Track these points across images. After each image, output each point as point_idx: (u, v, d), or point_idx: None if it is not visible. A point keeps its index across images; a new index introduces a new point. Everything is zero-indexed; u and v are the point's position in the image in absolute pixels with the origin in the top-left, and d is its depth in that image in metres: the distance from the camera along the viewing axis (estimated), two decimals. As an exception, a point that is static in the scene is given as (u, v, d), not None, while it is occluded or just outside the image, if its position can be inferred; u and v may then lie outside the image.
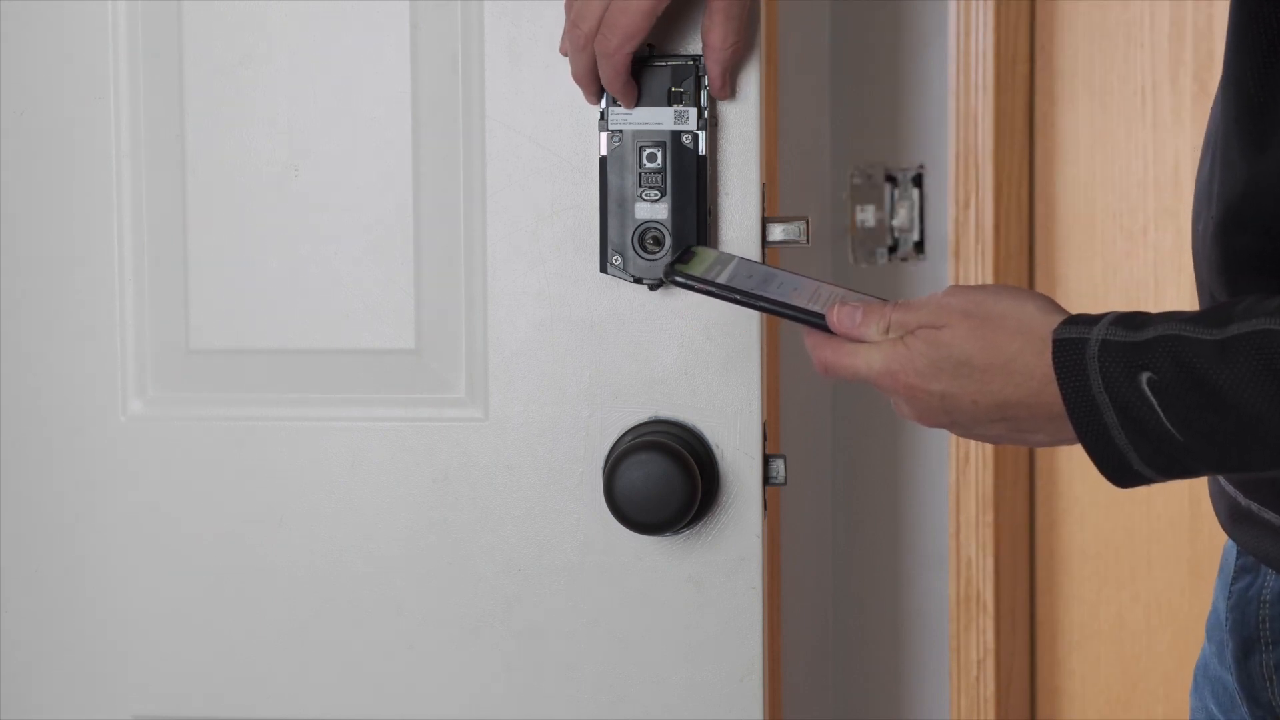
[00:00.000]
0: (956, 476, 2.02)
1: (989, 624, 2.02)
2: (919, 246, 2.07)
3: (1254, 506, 0.98)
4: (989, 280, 2.00)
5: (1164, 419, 0.87)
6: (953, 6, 1.99)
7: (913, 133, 2.07)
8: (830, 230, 2.09)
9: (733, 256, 1.07)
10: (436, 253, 1.18)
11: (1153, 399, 0.87)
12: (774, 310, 1.00)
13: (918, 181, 2.06)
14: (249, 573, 1.21)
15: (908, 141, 2.07)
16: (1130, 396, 0.88)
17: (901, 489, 2.10)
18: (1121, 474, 0.91)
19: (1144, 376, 0.88)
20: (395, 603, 1.20)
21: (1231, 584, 1.04)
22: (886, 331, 0.97)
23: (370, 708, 1.21)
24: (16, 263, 1.22)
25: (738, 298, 1.01)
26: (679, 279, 1.02)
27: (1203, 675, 1.11)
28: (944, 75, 2.01)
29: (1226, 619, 1.04)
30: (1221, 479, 1.03)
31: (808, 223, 1.15)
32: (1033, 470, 2.07)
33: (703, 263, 1.04)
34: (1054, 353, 0.91)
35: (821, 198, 2.08)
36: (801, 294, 1.01)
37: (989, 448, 2.02)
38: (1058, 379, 0.90)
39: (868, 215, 2.07)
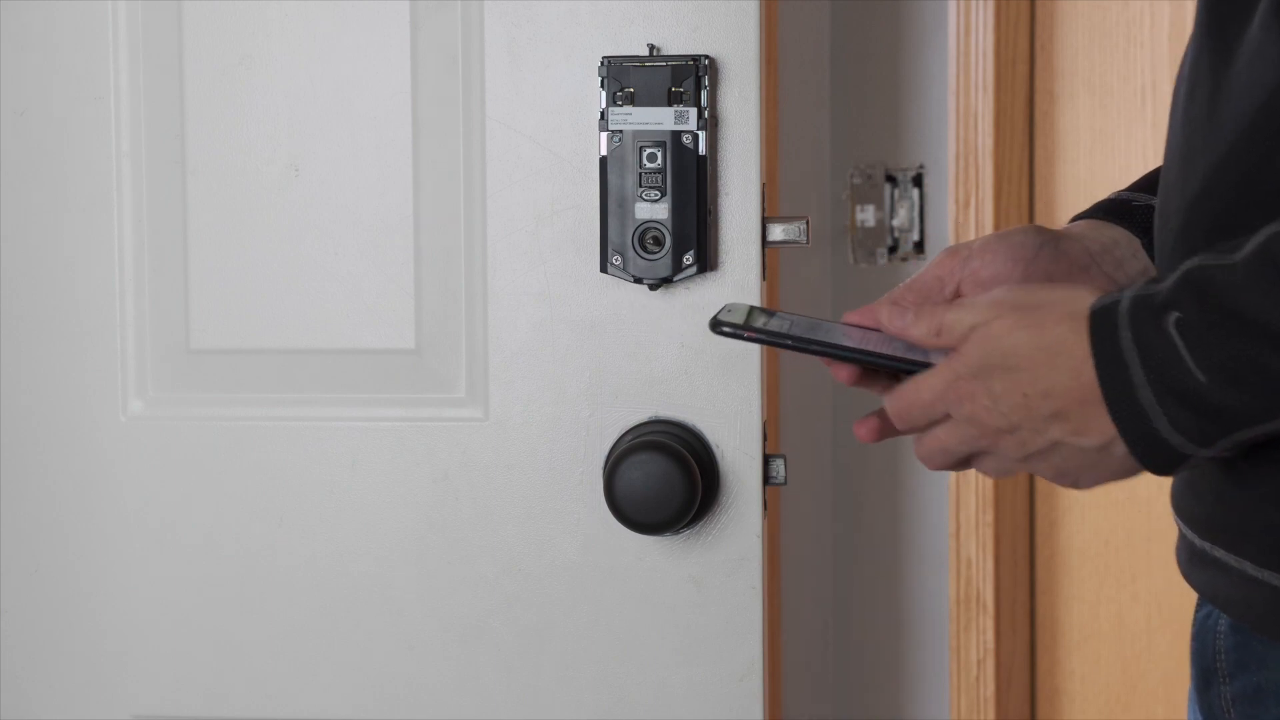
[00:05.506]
0: (956, 476, 2.01)
1: (989, 624, 2.01)
2: (919, 246, 2.07)
3: (1208, 547, 0.94)
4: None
5: (1187, 360, 0.82)
6: (953, 6, 1.99)
7: (913, 132, 2.06)
8: (830, 230, 2.08)
9: (763, 309, 1.04)
10: (436, 253, 1.18)
11: (1177, 338, 0.82)
12: (825, 352, 0.97)
13: (918, 181, 2.06)
14: (249, 573, 1.21)
15: (908, 141, 2.07)
16: (1156, 341, 0.83)
17: (901, 489, 2.10)
18: (1150, 446, 0.85)
19: (1172, 317, 0.83)
20: (395, 603, 1.20)
21: (1196, 610, 1.00)
22: (938, 334, 0.92)
23: (370, 708, 1.21)
24: (17, 263, 1.22)
25: (789, 343, 0.97)
26: (726, 329, 0.97)
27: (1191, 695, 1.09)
28: (944, 75, 2.01)
29: (1192, 646, 1.01)
30: (1179, 521, 0.99)
31: (808, 223, 1.15)
32: (1033, 470, 2.07)
33: (740, 313, 1.01)
34: (1090, 320, 0.86)
35: (821, 198, 2.08)
36: (850, 337, 0.98)
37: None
38: (1091, 344, 0.86)
39: (868, 215, 2.07)
